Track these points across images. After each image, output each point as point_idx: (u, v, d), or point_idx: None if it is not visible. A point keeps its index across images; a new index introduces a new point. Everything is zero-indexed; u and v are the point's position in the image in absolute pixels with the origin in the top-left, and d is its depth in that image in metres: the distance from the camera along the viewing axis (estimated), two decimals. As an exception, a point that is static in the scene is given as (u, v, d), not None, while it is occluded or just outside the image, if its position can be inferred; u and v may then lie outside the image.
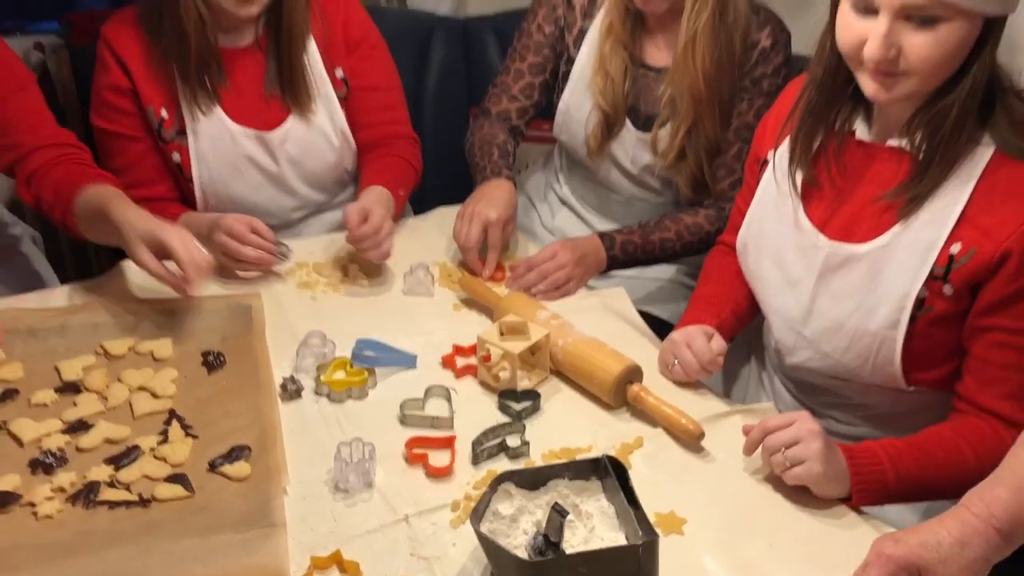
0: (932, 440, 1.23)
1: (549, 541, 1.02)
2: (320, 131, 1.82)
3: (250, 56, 1.76)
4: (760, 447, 1.19)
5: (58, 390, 1.34)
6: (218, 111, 1.74)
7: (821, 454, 1.14)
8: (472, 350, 1.43)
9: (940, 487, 1.23)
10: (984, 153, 1.20)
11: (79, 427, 1.27)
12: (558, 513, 0.98)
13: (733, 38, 1.67)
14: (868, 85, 1.21)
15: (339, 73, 1.83)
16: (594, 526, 1.07)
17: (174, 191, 1.79)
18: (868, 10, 1.17)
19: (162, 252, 1.40)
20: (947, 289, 1.21)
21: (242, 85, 1.76)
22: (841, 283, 1.30)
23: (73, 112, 2.14)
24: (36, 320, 1.45)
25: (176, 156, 1.75)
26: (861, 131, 1.30)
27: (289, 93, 1.77)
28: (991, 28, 1.16)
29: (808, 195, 1.35)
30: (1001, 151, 1.19)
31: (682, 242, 1.78)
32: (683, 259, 1.88)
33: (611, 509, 1.09)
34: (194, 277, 1.38)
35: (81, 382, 1.35)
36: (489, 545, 1.01)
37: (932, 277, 1.22)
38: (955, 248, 1.20)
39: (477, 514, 1.04)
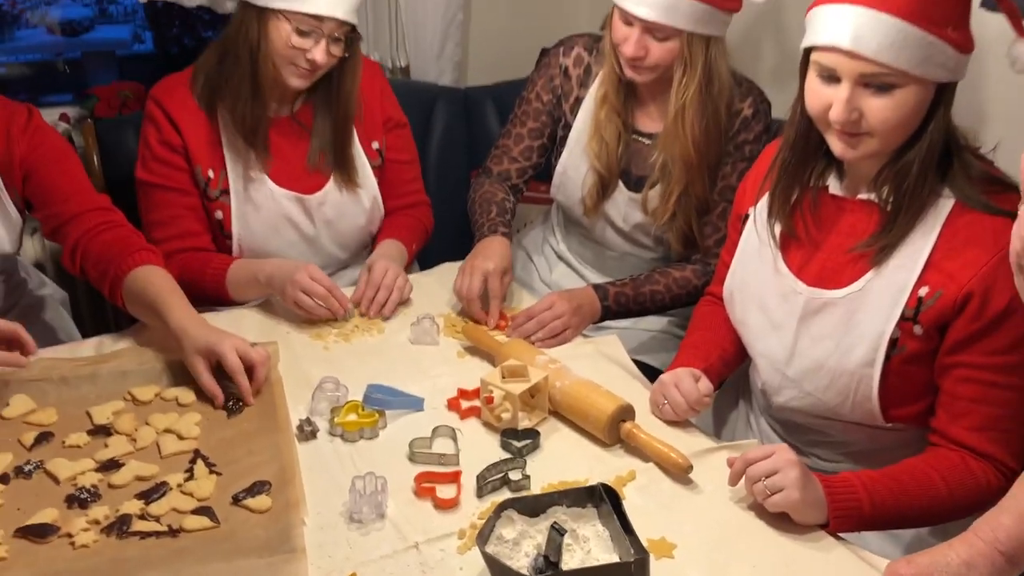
0: (905, 471, 1.33)
1: (549, 561, 1.11)
2: (354, 197, 1.96)
3: (292, 124, 1.91)
4: (743, 477, 1.29)
5: (90, 432, 1.44)
6: (262, 174, 1.87)
7: (799, 482, 1.23)
8: (475, 393, 1.53)
9: (913, 515, 1.32)
10: (945, 204, 1.32)
11: (111, 466, 1.36)
12: (556, 532, 1.08)
13: (719, 108, 1.80)
14: (836, 145, 1.34)
15: (375, 145, 1.99)
16: (590, 549, 1.16)
17: (212, 243, 1.91)
18: (832, 78, 1.30)
19: (215, 359, 1.51)
20: (917, 329, 1.32)
21: (285, 150, 1.90)
22: (820, 326, 1.40)
23: (96, 179, 2.26)
24: (68, 369, 1.56)
25: (219, 214, 1.88)
26: (833, 186, 1.43)
27: (339, 167, 1.92)
28: (943, 93, 1.29)
29: (786, 245, 1.46)
30: (960, 202, 1.31)
31: (671, 295, 1.89)
32: (673, 311, 2.00)
33: (606, 533, 1.18)
34: (247, 394, 1.50)
35: (111, 425, 1.45)
36: (494, 565, 1.10)
37: (903, 318, 1.32)
38: (923, 291, 1.31)
39: (483, 537, 1.13)
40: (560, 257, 2.17)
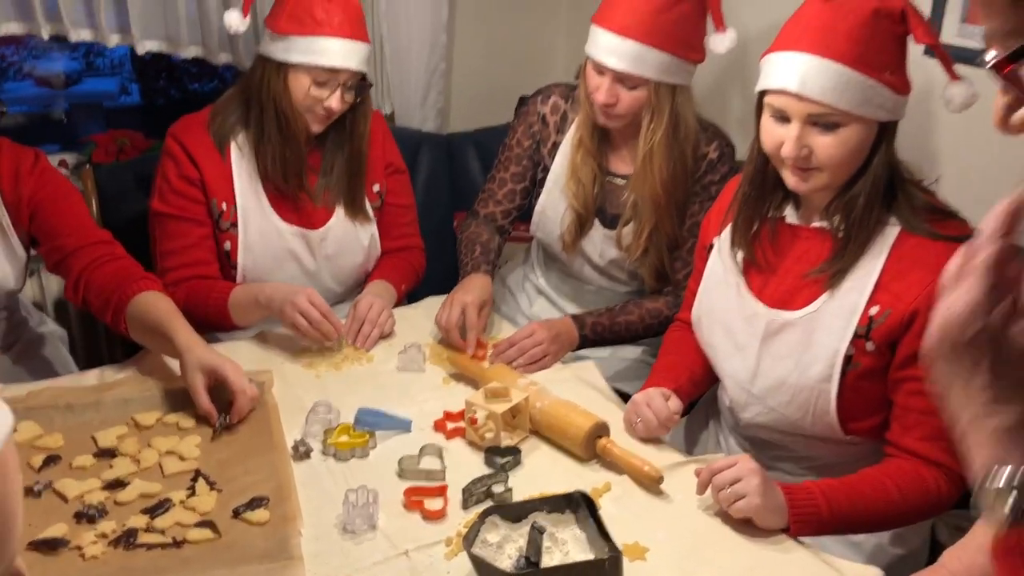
0: (862, 479, 1.43)
1: (530, 562, 1.20)
2: (355, 234, 2.07)
3: (308, 161, 2.02)
4: (709, 486, 1.38)
5: (95, 455, 1.51)
6: (269, 209, 1.98)
7: (760, 488, 1.33)
8: (460, 415, 1.62)
9: (869, 519, 1.41)
10: (892, 231, 1.44)
11: (116, 485, 1.44)
12: (536, 531, 1.17)
13: (685, 151, 1.92)
14: (789, 179, 1.46)
15: (376, 188, 2.11)
16: (568, 550, 1.25)
17: (219, 273, 2.00)
18: (783, 118, 1.43)
19: (215, 379, 1.60)
20: (869, 346, 1.43)
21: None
22: (780, 345, 1.51)
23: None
24: (73, 397, 1.64)
25: (227, 245, 1.98)
26: (790, 216, 1.55)
27: (350, 202, 2.04)
28: (885, 131, 1.42)
29: (748, 271, 1.58)
30: (906, 229, 1.43)
31: (644, 324, 2.00)
32: (647, 340, 2.10)
33: (583, 536, 1.27)
34: (245, 409, 1.59)
35: (116, 448, 1.53)
36: (480, 565, 1.19)
37: (856, 336, 1.44)
38: (874, 310, 1.42)
39: (469, 540, 1.22)
40: (540, 292, 2.28)
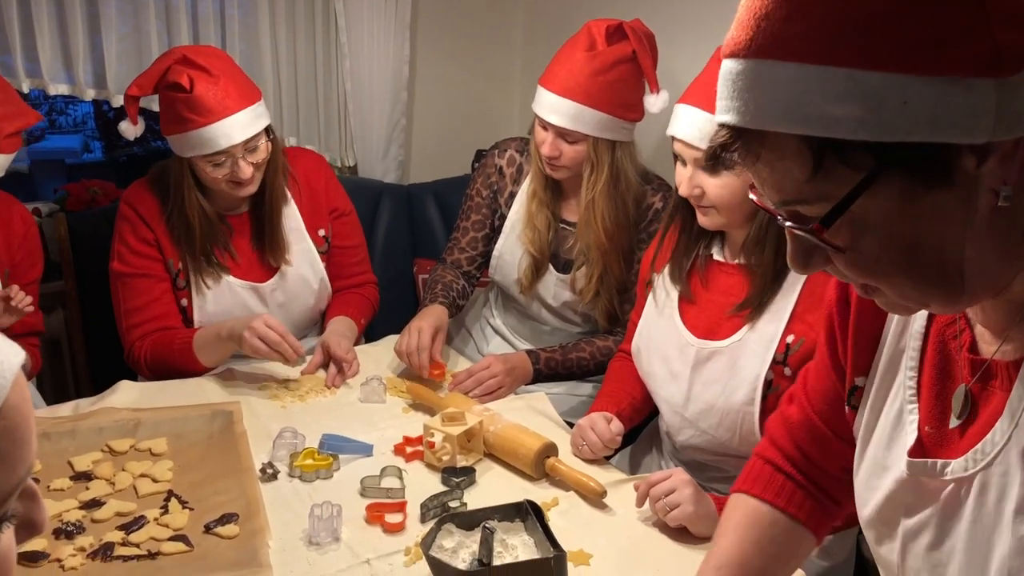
0: None
1: (483, 564, 1.31)
2: (304, 280, 2.19)
3: (246, 220, 2.13)
4: (647, 498, 1.51)
5: (72, 478, 1.60)
6: (220, 271, 2.09)
7: (692, 498, 1.46)
8: (419, 440, 1.73)
9: None
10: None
11: (93, 504, 1.53)
12: (488, 531, 1.28)
13: (627, 201, 2.07)
14: (698, 216, 1.62)
15: (321, 232, 2.22)
16: (518, 554, 1.36)
17: (183, 324, 2.10)
18: (682, 162, 1.60)
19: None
20: (787, 371, 1.57)
21: (241, 246, 2.12)
22: (709, 372, 1.65)
23: (67, 265, 2.45)
24: (49, 425, 1.72)
25: (184, 302, 2.09)
26: (717, 253, 1.70)
27: (270, 249, 2.13)
28: None
29: (682, 304, 1.72)
30: None
31: (595, 361, 2.14)
32: (598, 379, 2.23)
33: (531, 541, 1.38)
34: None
35: (91, 472, 1.62)
36: (436, 565, 1.29)
37: (775, 362, 1.58)
38: (790, 339, 1.57)
39: (426, 544, 1.33)
40: (497, 332, 2.40)
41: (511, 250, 2.23)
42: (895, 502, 0.91)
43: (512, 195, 2.24)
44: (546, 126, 2.02)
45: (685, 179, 1.59)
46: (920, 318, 0.89)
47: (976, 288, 0.73)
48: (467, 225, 2.29)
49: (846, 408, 1.02)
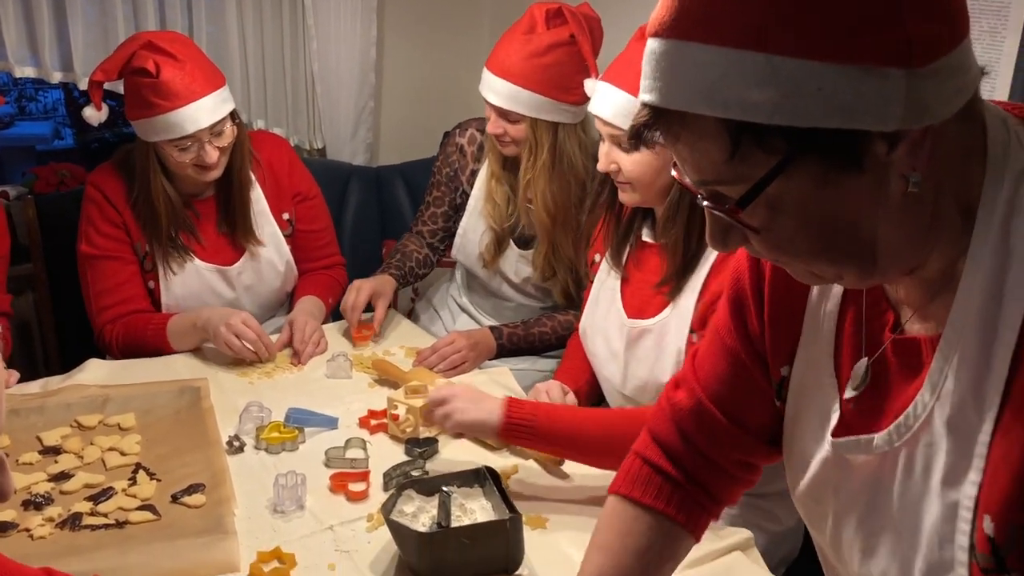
0: (592, 412, 1.61)
1: (441, 526, 1.35)
2: (270, 263, 2.22)
3: (212, 205, 2.16)
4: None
5: (41, 452, 1.63)
6: (187, 253, 2.11)
7: (469, 398, 1.53)
8: (383, 414, 1.77)
9: (584, 443, 1.51)
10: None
11: (61, 477, 1.56)
12: (445, 494, 1.33)
13: (569, 182, 2.10)
14: (619, 193, 1.66)
15: (285, 216, 2.25)
16: (476, 518, 1.41)
17: (152, 307, 2.13)
18: (601, 138, 1.65)
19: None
20: (695, 337, 1.60)
21: (207, 229, 2.15)
22: (640, 351, 1.69)
23: (36, 247, 2.47)
24: (18, 402, 1.75)
25: (151, 284, 2.11)
26: (645, 234, 1.73)
27: (242, 235, 2.16)
28: None
29: (622, 285, 1.76)
30: None
31: (556, 335, 2.18)
32: (560, 353, 2.28)
33: (488, 505, 1.43)
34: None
35: (60, 446, 1.65)
36: (396, 527, 1.34)
37: (691, 332, 1.62)
38: (698, 307, 1.59)
39: (387, 509, 1.37)
40: (463, 309, 2.45)
41: (474, 227, 2.28)
42: (824, 481, 0.93)
43: (474, 173, 2.29)
44: (490, 105, 2.08)
45: (603, 155, 1.64)
46: (835, 298, 0.91)
47: (888, 267, 0.77)
48: (430, 200, 2.37)
49: (776, 403, 1.02)
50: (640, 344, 1.69)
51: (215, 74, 2.01)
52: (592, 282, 1.86)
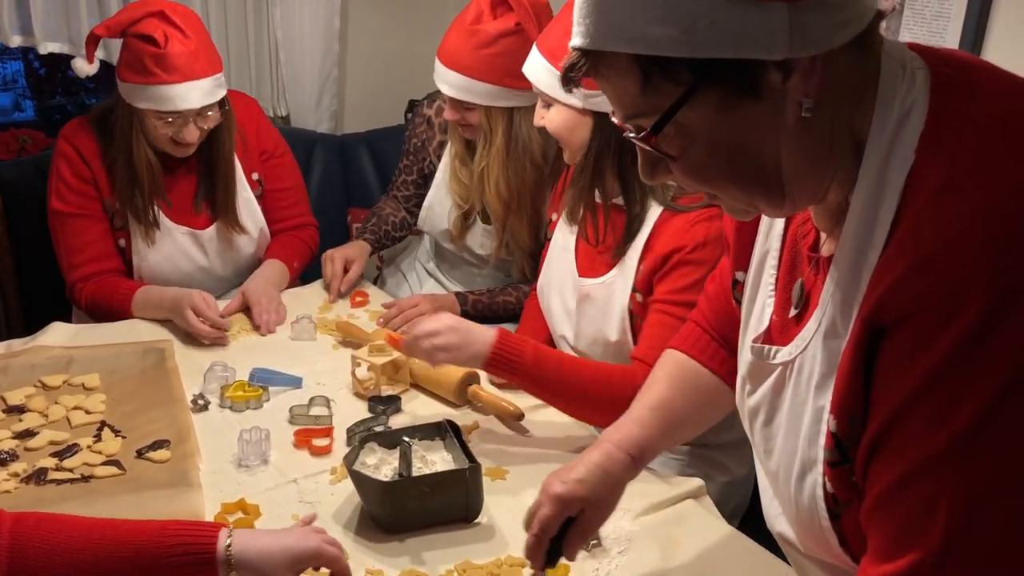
0: (578, 360, 1.65)
1: (402, 476, 1.39)
2: (243, 230, 2.21)
3: (186, 169, 2.15)
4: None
5: (5, 411, 1.64)
6: (158, 210, 2.11)
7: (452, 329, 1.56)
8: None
9: (571, 385, 1.58)
10: (656, 209, 1.65)
11: (26, 435, 1.57)
12: (406, 444, 1.37)
13: (524, 166, 2.11)
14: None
15: (255, 176, 2.25)
16: (437, 468, 1.44)
17: (123, 267, 2.13)
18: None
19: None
20: (638, 296, 1.66)
21: (181, 191, 2.15)
22: (590, 308, 1.74)
23: (-3, 212, 2.46)
24: (-19, 364, 1.76)
25: (122, 242, 2.11)
26: (597, 196, 1.72)
27: (224, 216, 2.17)
28: (603, 121, 1.59)
29: (577, 244, 1.80)
30: (664, 207, 1.64)
31: (521, 306, 2.21)
32: None
33: (449, 457, 1.47)
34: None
35: (24, 405, 1.66)
36: (358, 477, 1.37)
37: (633, 291, 1.66)
38: (642, 266, 1.65)
39: (349, 460, 1.41)
40: (430, 275, 2.48)
41: (441, 201, 2.30)
42: (744, 384, 1.03)
43: (441, 144, 2.31)
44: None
45: (536, 113, 1.73)
46: (781, 220, 1.00)
47: (796, 194, 0.83)
48: (401, 167, 2.41)
49: (733, 302, 1.12)
50: (589, 302, 1.74)
51: (216, 58, 2.03)
52: (549, 241, 1.89)
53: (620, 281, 1.68)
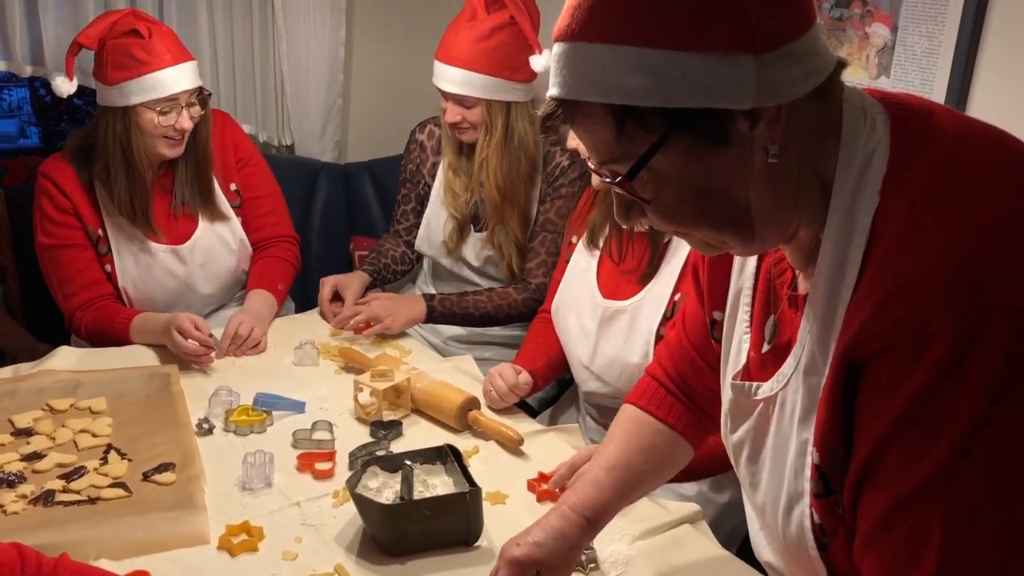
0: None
1: (404, 499, 1.41)
2: (221, 239, 2.26)
3: (160, 184, 2.20)
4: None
5: (13, 434, 1.67)
6: (137, 232, 2.16)
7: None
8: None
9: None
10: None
11: (34, 457, 1.60)
12: (409, 468, 1.39)
13: (520, 158, 2.21)
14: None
15: (232, 187, 2.30)
16: (438, 492, 1.47)
17: (114, 292, 2.17)
18: None
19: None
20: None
21: (157, 210, 2.18)
22: (612, 330, 1.78)
23: (5, 239, 2.50)
24: (-10, 387, 1.79)
25: (108, 267, 2.16)
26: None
27: (205, 205, 2.21)
28: None
29: (598, 266, 1.85)
30: None
31: (493, 304, 2.25)
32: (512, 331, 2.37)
33: (450, 481, 1.49)
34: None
35: (32, 428, 1.68)
36: (360, 500, 1.40)
37: (664, 318, 1.71)
38: (677, 296, 1.70)
39: (352, 483, 1.43)
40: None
41: (436, 215, 2.38)
42: (727, 420, 1.07)
43: (435, 165, 2.40)
44: (445, 95, 2.18)
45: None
46: (754, 259, 1.04)
47: (766, 233, 0.87)
48: (399, 198, 2.48)
49: (712, 342, 1.15)
50: (613, 324, 1.78)
51: (185, 50, 2.12)
52: (567, 262, 1.94)
53: (649, 304, 1.73)
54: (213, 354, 1.99)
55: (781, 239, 0.90)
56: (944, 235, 0.76)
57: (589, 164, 0.91)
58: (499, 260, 2.31)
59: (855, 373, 0.81)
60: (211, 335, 1.99)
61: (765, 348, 0.99)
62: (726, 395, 1.06)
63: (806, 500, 0.90)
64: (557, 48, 0.85)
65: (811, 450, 0.88)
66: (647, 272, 1.73)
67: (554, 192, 2.26)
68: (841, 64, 0.85)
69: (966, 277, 0.74)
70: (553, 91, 0.86)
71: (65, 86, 2.10)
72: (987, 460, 0.74)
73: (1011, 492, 0.74)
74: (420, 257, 2.53)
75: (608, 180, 0.86)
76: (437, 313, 2.21)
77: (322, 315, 2.23)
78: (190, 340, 1.94)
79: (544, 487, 1.56)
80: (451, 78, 2.14)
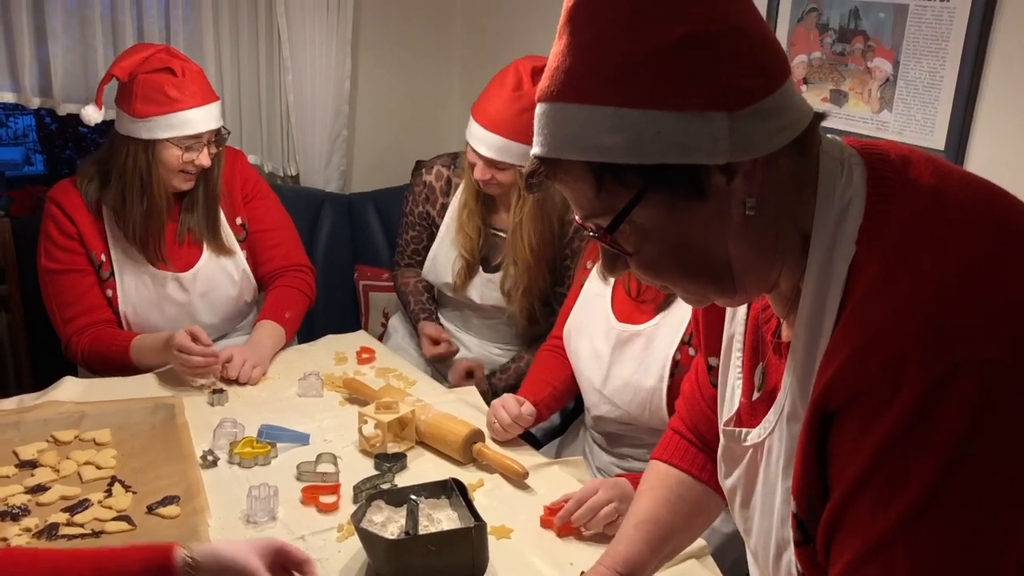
0: None
1: (408, 534, 1.41)
2: (224, 270, 2.27)
3: (168, 212, 2.20)
4: (590, 516, 1.53)
5: (17, 466, 1.67)
6: (141, 258, 2.17)
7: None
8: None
9: None
10: None
11: (38, 489, 1.60)
12: (414, 503, 1.39)
13: (552, 220, 2.25)
14: None
15: (239, 220, 2.31)
16: (443, 527, 1.47)
17: (113, 318, 2.18)
18: None
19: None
20: (691, 352, 1.71)
21: (167, 235, 2.19)
22: (628, 353, 1.79)
23: (11, 269, 2.50)
24: (-6, 418, 1.79)
25: (109, 292, 2.17)
26: None
27: (211, 237, 2.23)
28: None
29: (613, 291, 1.86)
30: None
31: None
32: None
33: (455, 515, 1.49)
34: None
35: (36, 460, 1.68)
36: (365, 535, 1.39)
37: (683, 343, 1.72)
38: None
39: (356, 518, 1.43)
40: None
41: (445, 252, 2.38)
42: (720, 466, 1.07)
43: (444, 206, 2.41)
44: (478, 154, 2.17)
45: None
46: (743, 307, 1.04)
47: (746, 284, 0.88)
48: (407, 239, 2.51)
49: (713, 388, 1.15)
50: (628, 347, 1.79)
51: (212, 90, 2.18)
52: (580, 287, 1.96)
53: (666, 329, 1.74)
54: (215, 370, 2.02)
55: (763, 289, 0.91)
56: (914, 287, 0.76)
57: (576, 218, 0.92)
58: (519, 309, 2.33)
59: (828, 421, 0.81)
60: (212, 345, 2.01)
61: (755, 395, 0.99)
62: (721, 441, 1.06)
63: (791, 548, 0.90)
64: (539, 108, 0.87)
65: (790, 498, 0.89)
66: (664, 302, 1.75)
67: (572, 254, 2.31)
68: (819, 117, 0.86)
69: (935, 329, 0.74)
70: (535, 150, 0.88)
71: (95, 115, 2.16)
72: (954, 509, 0.74)
73: (977, 541, 0.74)
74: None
75: (593, 234, 0.88)
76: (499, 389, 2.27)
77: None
78: (194, 356, 1.95)
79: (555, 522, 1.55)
80: (490, 144, 2.14)
